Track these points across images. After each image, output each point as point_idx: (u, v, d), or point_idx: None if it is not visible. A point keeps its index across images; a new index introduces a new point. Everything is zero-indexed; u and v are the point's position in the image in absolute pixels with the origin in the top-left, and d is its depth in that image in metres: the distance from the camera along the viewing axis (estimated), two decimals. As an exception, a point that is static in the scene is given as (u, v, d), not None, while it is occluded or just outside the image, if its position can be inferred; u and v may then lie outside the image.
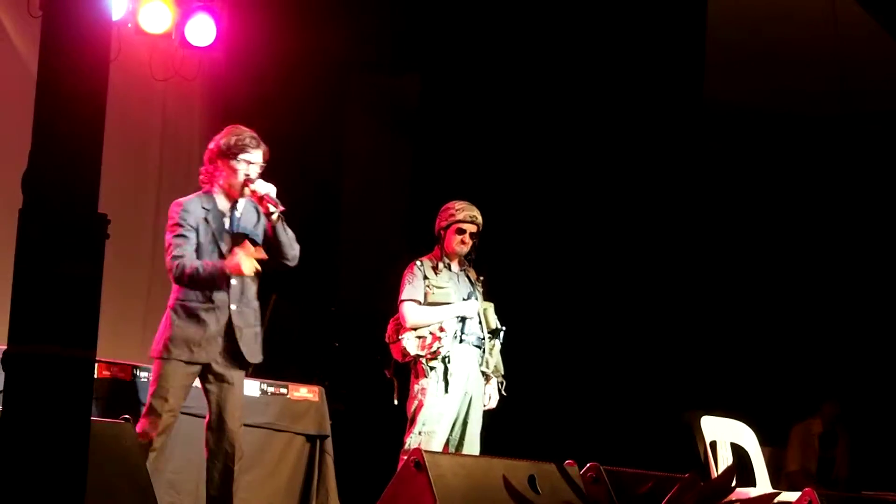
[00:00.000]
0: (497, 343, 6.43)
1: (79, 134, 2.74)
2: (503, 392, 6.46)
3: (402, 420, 6.29)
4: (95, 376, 4.72)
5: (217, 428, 5.38)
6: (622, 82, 8.75)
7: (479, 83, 9.01)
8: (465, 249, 6.41)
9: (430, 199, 6.97)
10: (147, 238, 8.35)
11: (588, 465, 5.24)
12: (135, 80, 8.19)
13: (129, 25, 8.05)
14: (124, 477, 4.32)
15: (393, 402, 6.41)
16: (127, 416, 4.60)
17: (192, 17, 8.21)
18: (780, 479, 8.89)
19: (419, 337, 6.26)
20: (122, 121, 7.94)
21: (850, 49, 8.66)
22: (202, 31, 8.22)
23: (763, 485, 6.95)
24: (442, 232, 6.42)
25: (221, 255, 5.40)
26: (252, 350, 5.45)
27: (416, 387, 6.24)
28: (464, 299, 6.37)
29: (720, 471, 6.49)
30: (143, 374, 5.91)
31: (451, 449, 6.23)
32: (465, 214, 6.36)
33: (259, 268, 5.36)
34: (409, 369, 6.33)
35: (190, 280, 5.31)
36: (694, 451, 7.47)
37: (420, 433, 6.15)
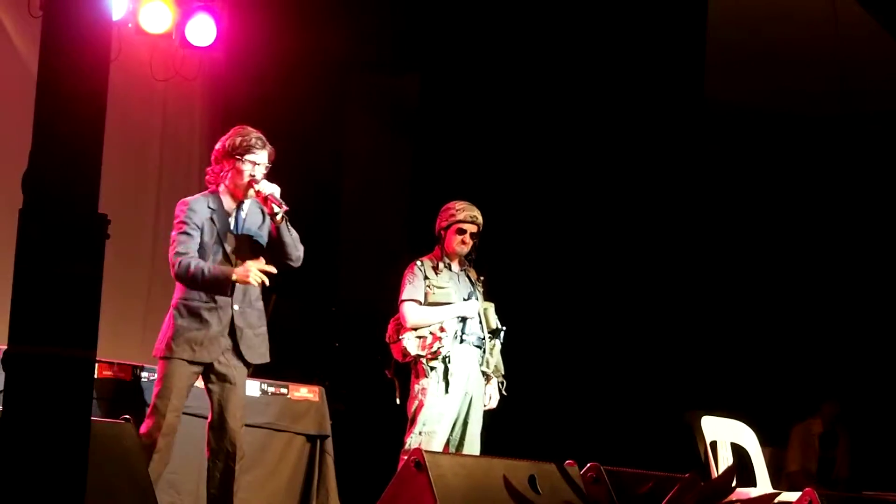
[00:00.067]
0: (497, 343, 6.43)
1: (79, 134, 2.74)
2: (503, 392, 6.46)
3: (403, 420, 6.29)
4: (96, 376, 4.73)
5: (218, 427, 5.39)
6: (623, 82, 8.75)
7: (479, 83, 9.01)
8: (465, 249, 6.41)
9: (431, 199, 6.97)
10: (147, 238, 8.35)
11: (588, 465, 5.24)
12: (135, 80, 8.19)
13: (130, 25, 8.05)
14: (124, 477, 4.32)
15: (394, 402, 6.41)
16: (127, 416, 4.60)
17: (193, 17, 8.21)
18: (781, 479, 8.89)
19: (419, 337, 6.26)
20: (123, 121, 7.94)
21: (850, 49, 8.66)
22: (202, 31, 8.22)
23: (763, 485, 6.95)
24: (442, 232, 6.42)
25: (226, 255, 5.41)
26: (253, 351, 5.45)
27: (417, 387, 6.24)
28: (464, 299, 6.37)
29: (720, 471, 6.49)
30: (144, 375, 5.92)
31: (452, 449, 6.23)
32: (466, 214, 6.36)
33: (267, 281, 5.37)
34: (409, 369, 6.33)
35: (192, 278, 5.31)
36: (694, 451, 7.47)
37: (420, 433, 6.15)
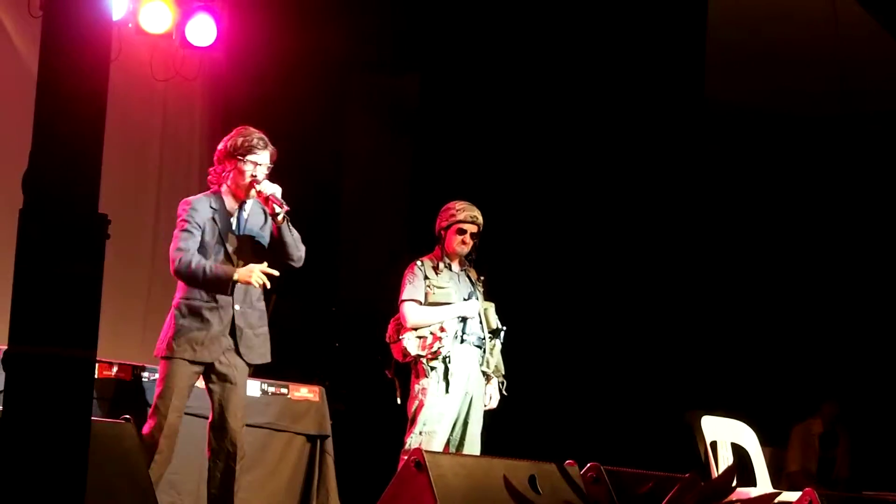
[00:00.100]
0: (498, 343, 6.43)
1: (79, 134, 2.74)
2: (504, 392, 6.46)
3: (403, 420, 6.29)
4: (96, 376, 4.73)
5: (219, 427, 5.39)
6: (623, 82, 8.75)
7: (479, 83, 9.01)
8: (465, 250, 6.41)
9: (431, 199, 6.97)
10: (147, 238, 8.35)
11: (588, 465, 5.24)
12: (135, 81, 8.19)
13: (130, 25, 8.05)
14: (124, 477, 4.32)
15: (394, 402, 6.41)
16: (127, 416, 4.60)
17: (193, 17, 8.21)
18: (781, 479, 8.89)
19: (420, 337, 6.26)
20: (123, 121, 7.94)
21: (850, 49, 8.65)
22: (203, 31, 8.22)
23: (763, 485, 6.95)
24: (442, 232, 6.42)
25: (227, 255, 5.42)
26: (253, 352, 5.46)
27: (417, 387, 6.24)
28: (464, 299, 6.36)
29: (721, 471, 6.49)
30: (145, 375, 5.92)
31: (452, 449, 6.23)
32: (466, 215, 6.36)
33: (268, 284, 5.38)
34: (409, 369, 6.33)
35: (192, 275, 5.32)
36: (694, 451, 7.46)
37: (421, 433, 6.15)
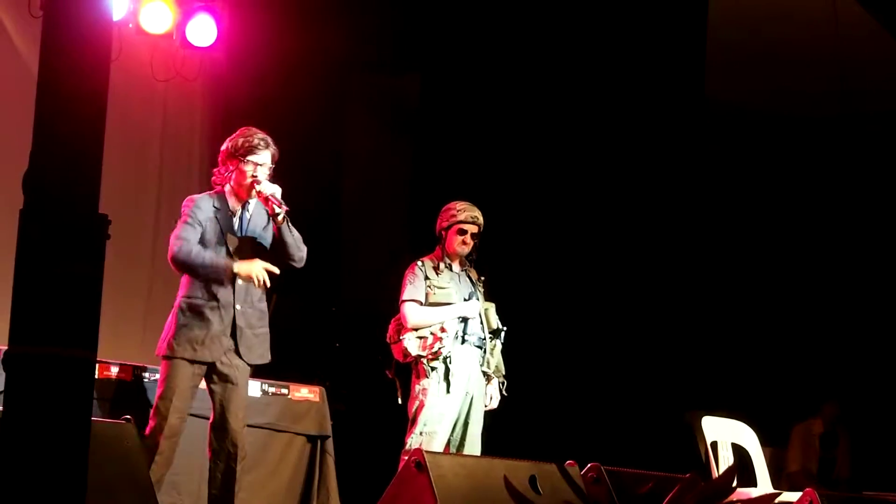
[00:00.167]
0: (498, 343, 6.43)
1: (80, 134, 2.74)
2: (504, 392, 6.46)
3: (403, 420, 6.29)
4: (96, 377, 4.73)
5: (220, 428, 5.40)
6: (623, 82, 8.75)
7: (479, 83, 9.01)
8: (466, 250, 6.41)
9: (431, 199, 6.97)
10: (147, 238, 8.35)
11: (589, 465, 5.24)
12: (136, 81, 8.19)
13: (130, 26, 8.05)
14: (125, 477, 4.32)
15: (395, 402, 6.41)
16: (128, 417, 4.60)
17: (193, 18, 8.21)
18: (781, 479, 8.89)
19: (420, 337, 6.26)
20: (123, 121, 7.94)
21: (850, 49, 8.65)
22: (203, 31, 8.22)
23: (764, 485, 6.94)
24: (443, 232, 6.42)
25: (228, 254, 5.45)
26: (252, 352, 5.46)
27: (418, 387, 6.23)
28: (465, 300, 6.36)
29: (721, 471, 6.49)
30: (145, 375, 5.92)
31: (452, 449, 6.23)
32: (467, 215, 6.36)
33: (268, 283, 5.38)
34: (410, 370, 6.32)
35: (191, 261, 5.33)
36: (695, 451, 7.46)
37: (421, 433, 6.15)
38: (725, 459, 6.77)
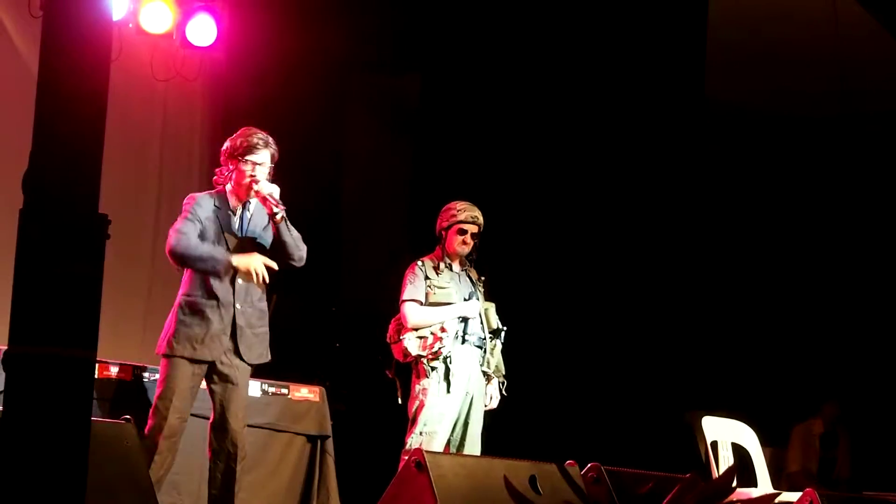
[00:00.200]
0: (498, 343, 6.43)
1: (79, 134, 2.74)
2: (504, 392, 6.46)
3: (403, 420, 6.29)
4: (96, 377, 4.72)
5: (220, 428, 5.40)
6: (623, 82, 8.74)
7: (479, 83, 9.00)
8: (466, 250, 6.41)
9: (431, 199, 6.97)
10: (147, 238, 8.35)
11: (589, 465, 5.24)
12: (136, 81, 8.19)
13: (130, 25, 8.06)
14: (125, 477, 4.32)
15: (395, 402, 6.41)
16: (128, 417, 4.60)
17: (193, 18, 8.22)
18: (781, 479, 8.89)
19: (420, 337, 6.26)
20: (123, 121, 7.94)
21: (850, 49, 8.65)
22: (203, 31, 8.22)
23: (764, 485, 6.94)
24: (443, 232, 6.42)
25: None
26: (251, 351, 5.46)
27: (418, 387, 6.23)
28: (465, 299, 6.36)
29: (721, 471, 6.49)
30: (145, 375, 5.92)
31: (452, 449, 6.23)
32: (467, 215, 6.36)
33: (267, 278, 5.39)
34: (410, 369, 6.32)
35: (187, 254, 5.35)
36: (695, 451, 7.46)
37: (421, 433, 6.14)
38: (725, 459, 6.77)
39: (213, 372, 5.41)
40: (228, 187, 5.55)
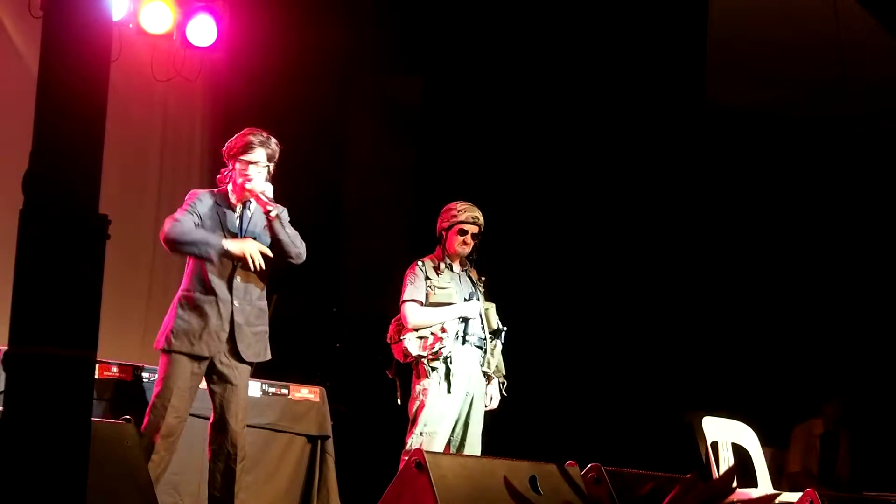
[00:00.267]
0: (498, 343, 6.43)
1: (80, 134, 2.73)
2: (504, 392, 6.45)
3: (404, 421, 6.29)
4: (96, 377, 4.72)
5: (220, 428, 5.40)
6: (624, 84, 8.74)
7: (481, 85, 9.01)
8: (466, 250, 6.41)
9: (432, 199, 6.97)
10: (147, 238, 8.35)
11: (589, 465, 5.24)
12: (136, 81, 8.20)
13: (131, 26, 8.06)
14: (125, 477, 4.32)
15: (395, 402, 6.41)
16: (128, 417, 4.60)
17: (194, 18, 8.22)
18: (782, 479, 8.89)
19: (421, 337, 6.26)
20: (124, 121, 7.95)
21: (851, 49, 8.65)
22: (203, 31, 8.23)
23: (764, 485, 6.94)
24: (444, 233, 6.42)
25: (226, 252, 5.44)
26: (249, 349, 5.46)
27: (418, 387, 6.23)
28: (465, 300, 6.36)
29: (721, 471, 6.49)
30: (145, 375, 5.91)
31: (453, 449, 6.23)
32: (468, 215, 6.36)
33: (262, 264, 5.39)
34: (410, 370, 6.32)
35: (182, 239, 5.36)
36: (695, 451, 7.46)
37: (421, 434, 6.14)
38: (726, 460, 6.77)
39: (212, 372, 5.42)
40: (229, 187, 5.57)
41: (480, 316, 6.37)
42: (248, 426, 5.63)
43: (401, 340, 6.28)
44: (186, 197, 5.56)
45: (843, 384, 9.62)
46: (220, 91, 8.79)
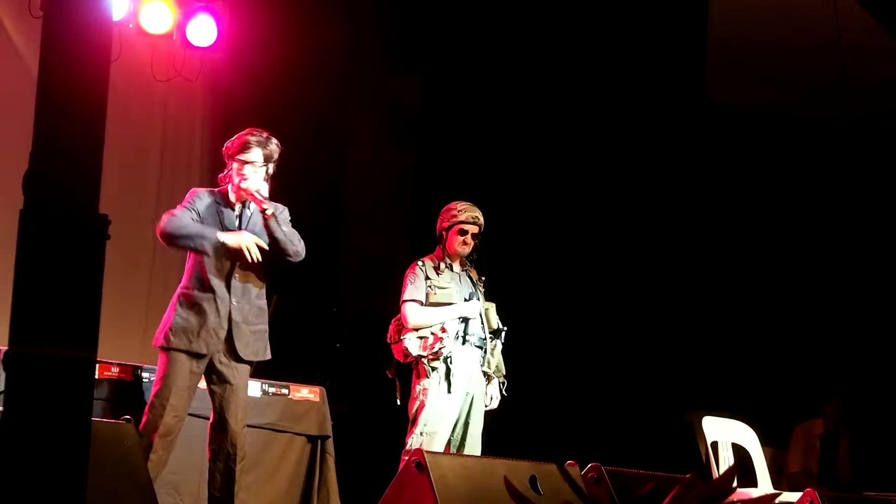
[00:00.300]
0: (498, 343, 6.43)
1: (80, 134, 2.73)
2: (504, 392, 6.45)
3: (404, 421, 6.29)
4: (96, 377, 4.72)
5: (220, 428, 5.41)
6: (624, 84, 8.74)
7: (481, 85, 9.01)
8: (466, 250, 6.41)
9: (433, 199, 6.97)
10: (147, 238, 8.34)
11: (589, 465, 5.24)
12: (136, 81, 8.20)
13: (131, 26, 8.06)
14: (125, 477, 4.32)
15: (395, 402, 6.41)
16: (128, 417, 4.60)
17: (194, 18, 8.22)
18: (782, 479, 8.89)
19: (421, 337, 6.26)
20: (124, 121, 7.95)
21: (851, 49, 8.65)
22: (203, 31, 8.23)
23: (764, 485, 6.94)
24: (444, 232, 6.42)
25: (226, 250, 5.45)
26: (247, 348, 5.46)
27: (418, 387, 6.23)
28: (465, 300, 6.36)
29: (721, 471, 6.49)
30: (145, 375, 5.92)
31: (453, 449, 6.23)
32: (468, 215, 6.36)
33: (258, 256, 5.40)
34: (410, 370, 6.32)
35: (178, 232, 5.39)
36: (695, 451, 7.46)
37: (421, 433, 6.14)
38: (726, 460, 6.77)
39: (212, 372, 5.42)
40: (230, 187, 5.59)
41: (480, 316, 6.37)
42: (249, 426, 5.63)
43: (401, 340, 6.28)
44: (187, 195, 5.59)
45: (843, 384, 9.62)
46: (220, 91, 8.79)
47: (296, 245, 5.52)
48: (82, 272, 2.69)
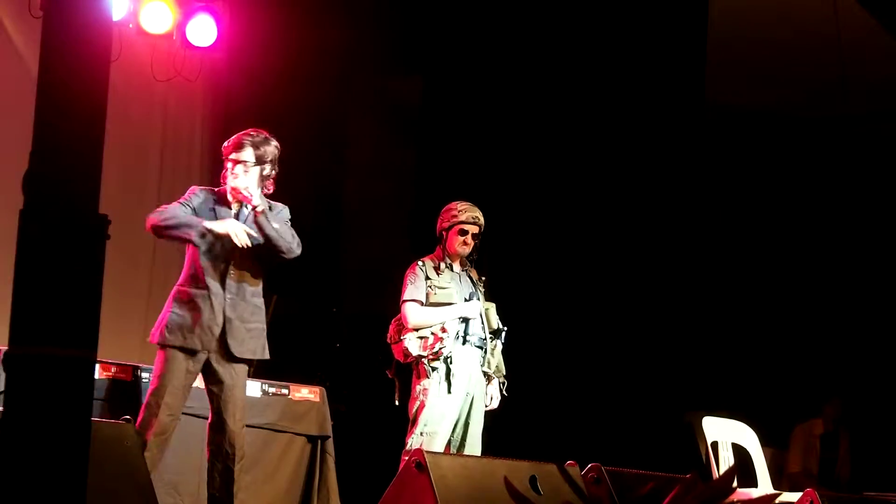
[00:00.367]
0: (499, 343, 6.43)
1: (80, 134, 2.73)
2: (505, 392, 6.45)
3: (404, 421, 6.29)
4: (96, 377, 4.72)
5: (218, 428, 5.41)
6: (624, 84, 8.74)
7: (481, 85, 9.00)
8: (467, 250, 6.40)
9: (433, 199, 6.97)
10: (147, 238, 8.30)
11: (589, 465, 5.24)
12: (136, 81, 8.20)
13: (131, 26, 8.06)
14: (125, 477, 4.32)
15: (394, 402, 6.41)
16: (128, 417, 4.61)
17: (194, 18, 8.22)
18: (782, 479, 8.89)
19: (421, 337, 6.26)
20: (124, 121, 7.95)
21: (851, 49, 8.65)
22: (203, 31, 8.23)
23: (764, 485, 6.94)
24: (444, 233, 6.42)
25: (222, 247, 5.46)
26: (242, 346, 5.46)
27: (418, 387, 6.23)
28: (466, 300, 6.36)
29: (721, 471, 6.49)
30: (145, 375, 5.92)
31: (453, 449, 6.23)
32: (468, 215, 6.36)
33: (248, 242, 5.40)
34: (410, 370, 6.32)
35: (167, 224, 5.41)
36: (695, 451, 7.46)
37: (422, 434, 6.14)
38: (726, 460, 6.77)
39: (209, 372, 5.43)
40: (227, 187, 5.60)
41: (481, 316, 6.37)
42: (248, 426, 5.63)
43: (401, 340, 6.28)
44: (186, 192, 5.61)
45: (843, 384, 9.62)
46: (220, 91, 8.79)
47: (289, 241, 5.51)
48: (82, 272, 2.69)
